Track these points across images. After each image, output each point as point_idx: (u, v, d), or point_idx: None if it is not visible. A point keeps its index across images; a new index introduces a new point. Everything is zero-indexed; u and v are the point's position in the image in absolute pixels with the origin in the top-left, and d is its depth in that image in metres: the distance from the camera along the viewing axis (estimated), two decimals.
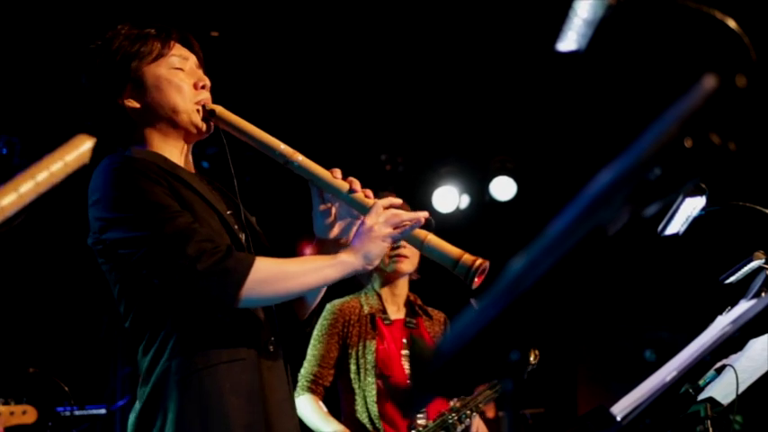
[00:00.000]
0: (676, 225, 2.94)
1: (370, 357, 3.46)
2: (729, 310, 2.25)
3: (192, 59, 2.17)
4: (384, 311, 3.60)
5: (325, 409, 3.45)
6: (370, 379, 3.43)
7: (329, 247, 2.16)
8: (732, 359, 2.82)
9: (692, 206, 2.88)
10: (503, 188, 6.95)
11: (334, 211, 2.17)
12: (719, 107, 0.85)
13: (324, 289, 2.23)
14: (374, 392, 3.42)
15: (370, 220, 2.02)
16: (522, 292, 1.02)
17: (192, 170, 2.18)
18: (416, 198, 6.52)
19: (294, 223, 4.66)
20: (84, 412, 5.56)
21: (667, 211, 2.89)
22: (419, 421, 3.45)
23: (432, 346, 3.49)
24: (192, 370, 1.93)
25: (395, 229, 2.02)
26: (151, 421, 1.94)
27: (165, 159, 2.07)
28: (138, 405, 1.99)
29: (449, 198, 6.97)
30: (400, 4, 5.34)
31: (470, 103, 6.42)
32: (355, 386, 3.46)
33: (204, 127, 2.13)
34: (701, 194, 2.83)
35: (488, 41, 5.67)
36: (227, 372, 1.95)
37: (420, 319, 3.67)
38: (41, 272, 6.25)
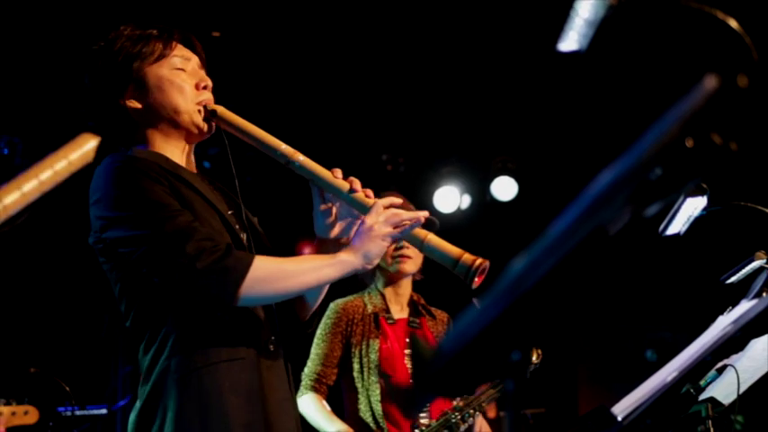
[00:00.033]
0: (677, 225, 2.94)
1: (374, 356, 3.46)
2: (730, 311, 2.25)
3: (195, 60, 2.18)
4: (387, 311, 3.60)
5: (328, 409, 3.45)
6: (374, 378, 3.44)
7: (330, 246, 2.16)
8: (733, 359, 2.82)
9: (693, 206, 2.88)
10: (504, 188, 6.95)
11: (334, 211, 2.17)
12: (721, 107, 0.85)
13: (325, 290, 2.23)
14: (378, 392, 3.42)
15: (369, 220, 2.02)
16: (524, 293, 1.02)
17: (194, 170, 2.19)
18: (417, 198, 6.51)
19: (295, 223, 4.66)
20: (86, 412, 5.56)
21: (668, 211, 2.88)
22: (422, 420, 3.45)
23: (433, 345, 3.49)
24: (192, 368, 1.93)
25: (395, 228, 2.02)
26: (151, 420, 1.94)
27: (167, 159, 2.08)
28: (138, 404, 2.00)
29: (450, 198, 6.97)
30: (401, 4, 5.34)
31: (472, 104, 6.42)
32: (358, 385, 3.46)
33: (206, 127, 2.13)
34: (702, 194, 2.83)
35: (490, 42, 5.67)
36: (227, 370, 1.95)
37: (423, 318, 3.67)
38: (42, 271, 6.25)
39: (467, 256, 1.99)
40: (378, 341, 3.50)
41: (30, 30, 5.02)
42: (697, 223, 2.95)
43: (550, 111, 6.33)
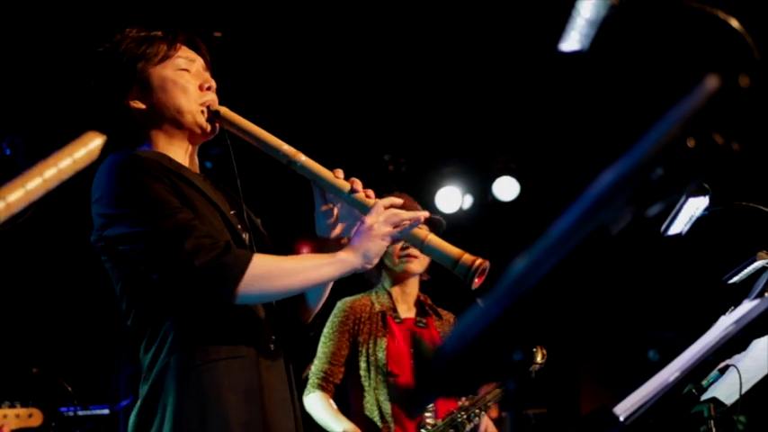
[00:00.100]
0: (679, 225, 2.94)
1: (381, 355, 3.46)
2: (733, 311, 2.25)
3: (199, 61, 2.19)
4: (395, 310, 3.60)
5: (335, 407, 3.44)
6: (381, 377, 3.43)
7: (330, 246, 2.16)
8: (735, 359, 2.82)
9: (695, 206, 2.87)
10: (506, 188, 6.95)
11: (335, 211, 2.17)
12: (722, 107, 0.85)
13: (326, 292, 2.23)
14: (386, 390, 3.42)
15: (370, 219, 2.02)
16: (526, 292, 1.02)
17: (198, 171, 2.20)
18: (419, 198, 6.49)
19: (295, 223, 4.66)
20: (88, 412, 5.58)
21: (670, 211, 2.88)
22: (428, 420, 3.44)
23: (436, 345, 3.49)
24: (191, 365, 1.93)
25: (394, 227, 2.02)
26: (151, 417, 1.94)
27: (170, 159, 2.08)
28: (138, 402, 2.00)
29: (452, 198, 6.97)
30: (403, 4, 5.34)
31: (473, 104, 6.42)
32: (365, 384, 3.46)
33: (209, 128, 2.14)
34: (704, 194, 2.83)
35: (491, 42, 5.67)
36: (226, 368, 1.95)
37: (430, 318, 3.67)
38: (45, 272, 6.26)
39: (466, 257, 1.99)
40: (385, 340, 3.50)
41: (31, 30, 5.03)
42: (699, 223, 2.95)
43: (552, 111, 6.33)
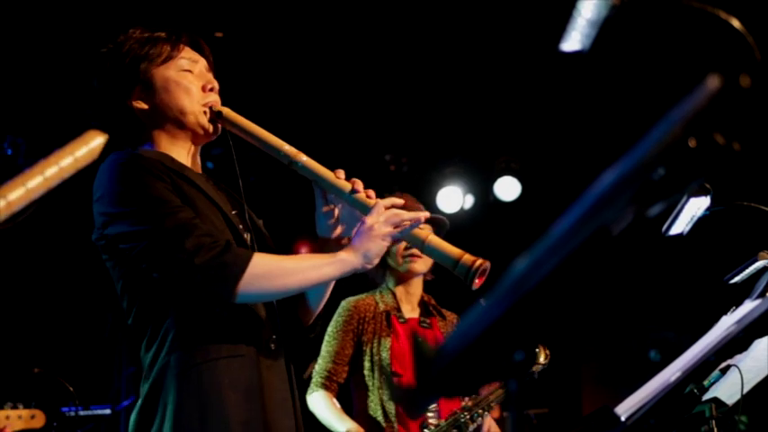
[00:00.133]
0: (681, 225, 2.94)
1: (385, 355, 3.46)
2: (734, 311, 2.25)
3: (202, 63, 2.19)
4: (399, 310, 3.60)
5: (338, 406, 3.44)
6: (385, 377, 3.43)
7: (331, 246, 2.16)
8: (737, 359, 2.82)
9: (696, 206, 2.87)
10: (507, 188, 6.95)
11: (336, 212, 2.18)
12: (724, 107, 0.85)
13: (327, 294, 2.23)
14: (389, 390, 3.41)
15: (370, 219, 2.02)
16: (527, 292, 1.02)
17: (200, 171, 2.20)
18: (421, 198, 6.50)
19: (296, 223, 4.66)
20: (89, 412, 5.58)
21: (672, 211, 2.88)
22: (431, 420, 3.44)
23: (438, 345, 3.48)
24: (191, 364, 1.94)
25: (395, 228, 2.02)
26: (151, 415, 1.95)
27: (172, 159, 2.09)
28: (139, 401, 2.00)
29: (453, 198, 6.97)
30: (405, 5, 5.34)
31: (475, 104, 6.42)
32: (369, 383, 3.45)
33: (211, 128, 2.15)
34: (705, 194, 2.82)
35: (493, 42, 5.66)
36: (227, 367, 1.96)
37: (434, 319, 3.67)
38: (46, 271, 6.26)
39: (467, 257, 1.99)
40: (389, 340, 3.49)
41: (33, 31, 5.03)
42: (700, 223, 2.95)
43: (553, 111, 6.33)
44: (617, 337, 7.26)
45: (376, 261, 2.04)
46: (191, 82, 2.13)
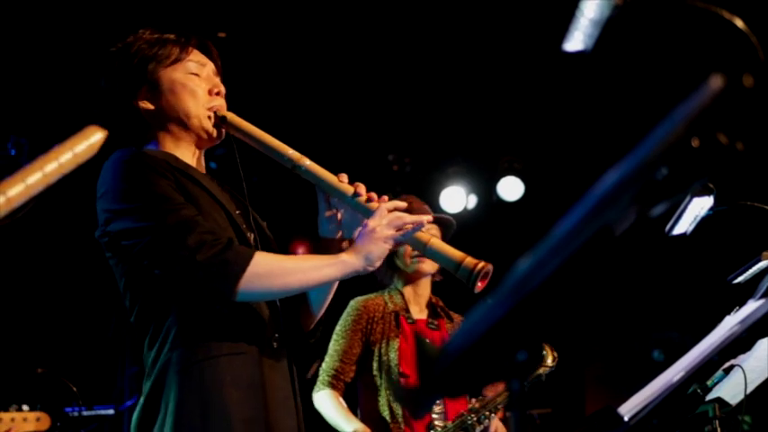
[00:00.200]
0: (684, 225, 2.94)
1: (393, 355, 3.45)
2: (737, 311, 2.24)
3: (210, 66, 2.20)
4: (407, 310, 3.60)
5: (345, 406, 3.42)
6: (393, 377, 3.42)
7: (333, 249, 2.16)
8: (740, 359, 2.82)
9: (699, 206, 2.87)
10: (510, 188, 6.95)
11: (339, 216, 2.18)
12: (727, 107, 0.84)
13: (329, 298, 2.23)
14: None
15: (372, 222, 2.03)
16: (530, 293, 1.02)
17: (204, 172, 2.20)
18: (424, 198, 6.50)
19: (298, 223, 4.67)
20: (93, 412, 5.58)
21: (675, 211, 2.88)
22: (437, 422, 3.43)
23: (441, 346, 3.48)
24: (193, 361, 1.94)
25: (397, 230, 2.02)
26: (153, 413, 1.95)
27: (177, 159, 2.10)
28: (141, 399, 2.00)
29: (456, 198, 6.96)
30: (407, 5, 5.34)
31: (478, 104, 6.41)
32: (378, 383, 3.44)
33: (215, 133, 2.16)
34: (708, 194, 2.82)
35: (496, 42, 5.66)
36: (228, 364, 1.96)
37: (442, 320, 3.67)
38: (49, 271, 6.27)
39: (469, 260, 1.99)
40: (397, 340, 3.48)
41: (37, 31, 5.04)
42: (704, 223, 2.95)
43: (556, 111, 6.33)
44: (620, 337, 7.26)
45: (378, 264, 2.04)
46: (197, 85, 2.14)
